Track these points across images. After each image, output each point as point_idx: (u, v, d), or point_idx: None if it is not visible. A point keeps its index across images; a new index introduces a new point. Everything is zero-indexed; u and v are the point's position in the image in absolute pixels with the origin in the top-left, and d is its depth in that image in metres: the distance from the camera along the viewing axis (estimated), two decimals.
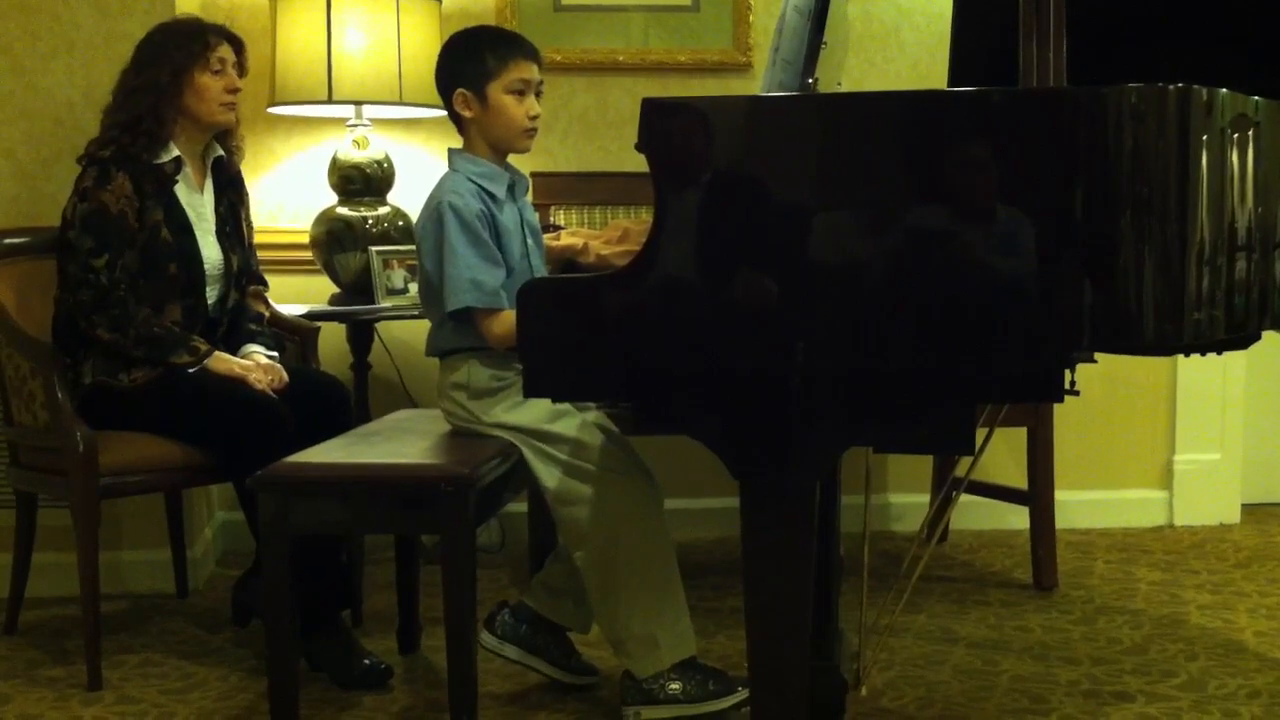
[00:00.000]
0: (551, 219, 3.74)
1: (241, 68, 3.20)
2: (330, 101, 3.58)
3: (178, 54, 3.08)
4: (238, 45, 3.20)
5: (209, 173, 3.21)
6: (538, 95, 2.73)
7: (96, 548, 2.94)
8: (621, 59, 4.02)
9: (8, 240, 3.23)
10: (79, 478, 2.90)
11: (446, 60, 2.76)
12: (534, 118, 2.71)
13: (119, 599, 3.53)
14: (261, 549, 2.53)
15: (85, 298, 2.98)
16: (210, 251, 3.14)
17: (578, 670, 2.84)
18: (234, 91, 3.15)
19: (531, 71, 2.71)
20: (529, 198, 2.87)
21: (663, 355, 1.96)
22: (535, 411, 2.63)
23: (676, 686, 2.59)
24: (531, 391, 2.08)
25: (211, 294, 3.15)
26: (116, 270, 2.98)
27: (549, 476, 2.64)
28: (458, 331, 2.67)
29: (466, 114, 2.71)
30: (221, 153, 3.23)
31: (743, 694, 2.58)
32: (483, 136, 2.72)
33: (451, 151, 2.77)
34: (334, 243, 3.68)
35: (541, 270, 2.78)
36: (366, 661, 2.89)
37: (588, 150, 4.02)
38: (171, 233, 3.06)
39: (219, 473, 3.03)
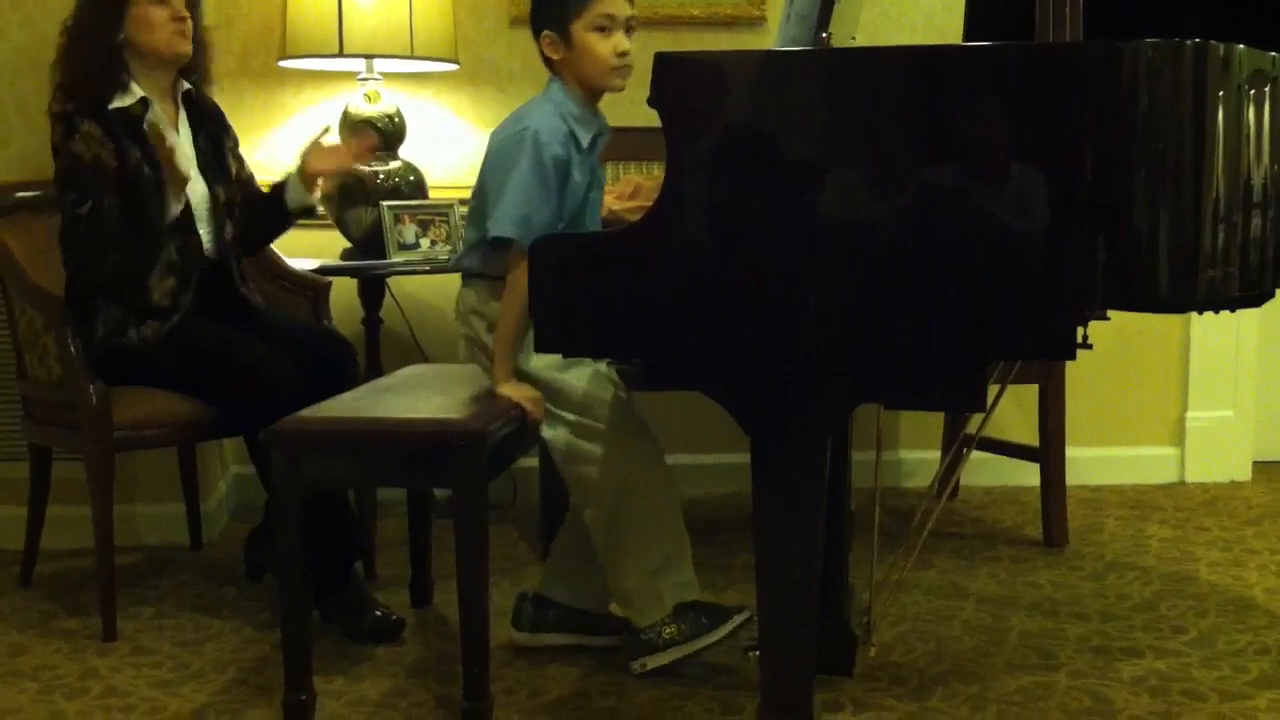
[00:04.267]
0: None
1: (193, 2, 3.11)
2: (341, 54, 3.57)
3: None
4: None
5: (180, 108, 3.15)
6: (629, 31, 2.62)
7: (111, 501, 2.96)
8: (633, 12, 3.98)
9: (20, 195, 3.23)
10: (92, 431, 2.92)
11: (534, 4, 2.67)
12: (622, 54, 2.59)
13: (133, 551, 3.55)
14: (273, 502, 2.54)
15: (77, 246, 2.94)
16: (195, 185, 3.07)
17: (618, 629, 2.81)
18: (181, 19, 3.04)
19: (617, 5, 2.59)
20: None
21: (673, 311, 1.96)
22: (547, 358, 2.60)
23: (672, 630, 2.62)
24: (542, 346, 2.09)
25: (205, 232, 3.08)
26: (102, 214, 2.92)
27: (557, 437, 2.65)
28: (492, 258, 2.62)
29: (555, 56, 2.62)
30: (189, 87, 3.16)
31: (739, 618, 2.62)
32: (574, 79, 2.62)
33: (552, 79, 2.66)
34: (345, 197, 3.67)
35: (597, 215, 2.73)
36: (378, 613, 2.91)
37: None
38: (152, 169, 2.98)
39: (228, 428, 3.05)
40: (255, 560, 3.23)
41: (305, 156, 3.12)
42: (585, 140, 2.62)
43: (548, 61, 2.65)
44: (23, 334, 3.18)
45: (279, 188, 3.17)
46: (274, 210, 3.18)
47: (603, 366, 2.69)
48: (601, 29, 2.57)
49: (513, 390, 2.60)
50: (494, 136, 2.66)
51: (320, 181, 3.16)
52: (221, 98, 3.60)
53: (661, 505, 2.64)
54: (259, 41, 3.85)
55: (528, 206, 2.53)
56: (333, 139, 3.21)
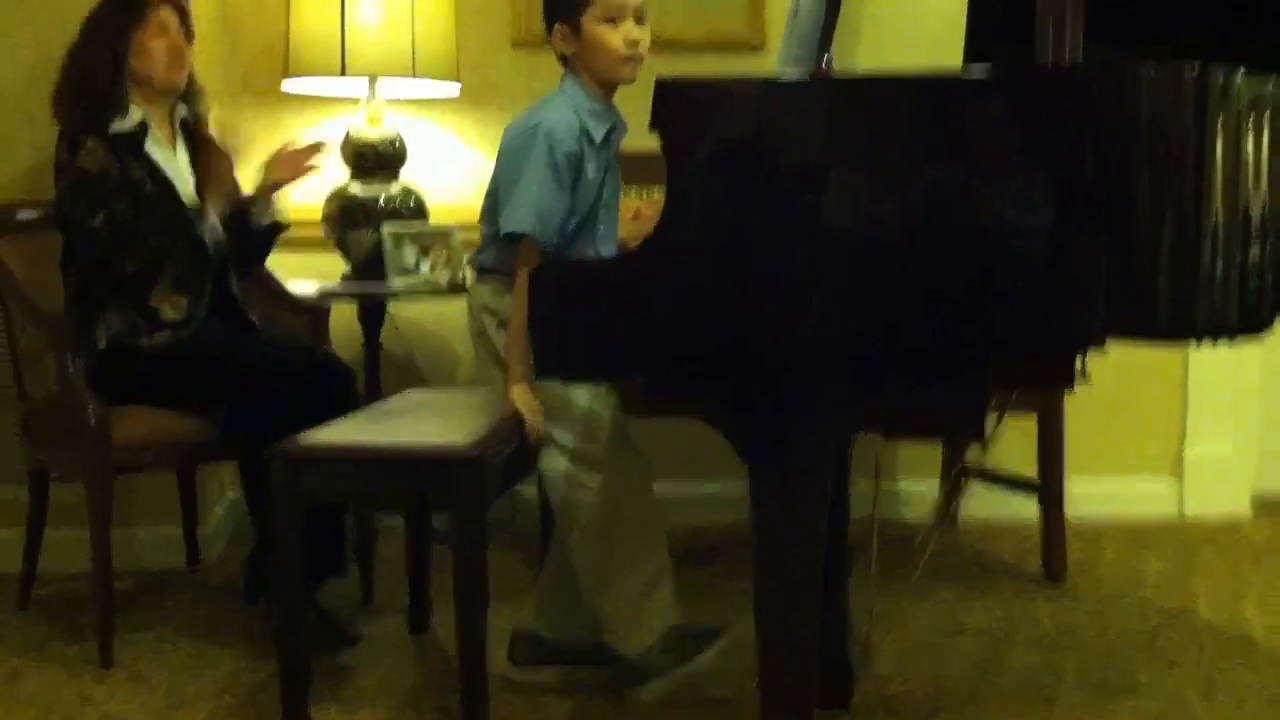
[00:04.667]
0: None
1: (188, 32, 3.21)
2: (343, 74, 3.58)
3: (120, 17, 3.12)
4: (179, 9, 3.20)
5: (178, 132, 3.23)
6: (640, 21, 2.61)
7: (109, 524, 2.94)
8: None
9: (22, 214, 3.24)
10: (91, 452, 2.91)
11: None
12: (634, 44, 2.59)
13: (131, 575, 3.53)
14: (274, 524, 2.53)
15: (98, 253, 3.01)
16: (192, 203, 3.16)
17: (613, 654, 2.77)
18: (177, 51, 3.15)
19: None
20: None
21: (672, 338, 1.96)
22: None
23: (661, 657, 2.61)
24: (542, 371, 2.09)
25: (206, 238, 3.13)
26: (119, 219, 3.00)
27: (555, 468, 2.64)
28: (505, 254, 2.62)
29: (567, 50, 2.63)
30: (187, 114, 3.25)
31: (728, 638, 2.62)
32: (587, 71, 2.62)
33: (566, 75, 2.67)
34: (346, 220, 3.68)
35: (614, 214, 2.74)
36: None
37: None
38: (154, 187, 3.09)
39: (227, 441, 3.02)
40: (254, 581, 3.22)
41: (266, 169, 3.17)
42: (599, 135, 2.62)
43: (561, 57, 2.66)
44: (23, 353, 3.18)
45: (247, 207, 3.20)
46: (243, 229, 3.20)
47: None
48: (611, 19, 2.57)
49: (521, 397, 2.58)
50: (507, 133, 2.66)
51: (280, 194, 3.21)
52: (220, 115, 3.63)
53: (648, 528, 2.64)
54: (262, 62, 3.86)
55: (540, 203, 2.54)
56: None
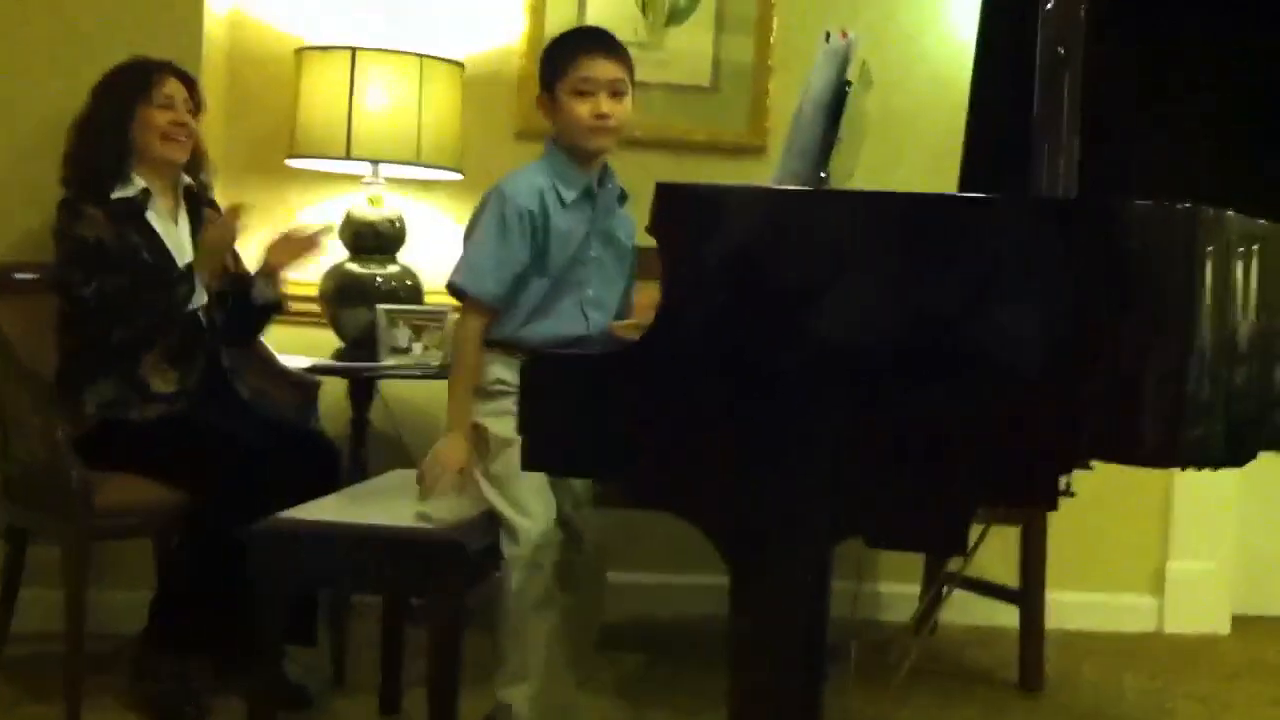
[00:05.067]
0: None
1: (196, 104, 3.25)
2: (348, 158, 3.62)
3: (124, 89, 3.17)
4: (188, 81, 3.25)
5: (181, 202, 3.27)
6: (617, 94, 2.73)
7: (85, 589, 2.94)
8: (639, 134, 4.02)
9: (19, 276, 3.25)
10: (72, 517, 2.90)
11: (541, 64, 2.82)
12: (601, 116, 2.70)
13: (103, 638, 3.50)
14: (255, 602, 2.53)
15: (90, 325, 3.03)
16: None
17: None
18: (180, 125, 3.19)
19: (596, 69, 2.71)
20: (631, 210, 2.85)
21: (661, 438, 1.97)
22: (510, 455, 2.57)
23: None
24: (530, 462, 2.09)
25: (200, 300, 3.12)
26: (110, 291, 3.01)
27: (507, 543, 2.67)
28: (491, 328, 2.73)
29: (547, 118, 2.78)
30: (190, 182, 3.29)
31: None
32: (563, 138, 2.76)
33: (546, 140, 2.81)
34: (342, 297, 3.70)
35: (612, 283, 2.82)
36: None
37: None
38: (152, 256, 3.11)
39: (200, 518, 2.99)
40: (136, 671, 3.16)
41: (267, 252, 3.23)
42: (570, 194, 2.72)
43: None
44: (9, 414, 3.18)
45: (247, 283, 3.25)
46: (239, 306, 3.25)
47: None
48: (580, 93, 2.70)
49: (450, 449, 2.66)
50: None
51: (283, 275, 3.27)
52: (229, 192, 3.66)
53: (554, 635, 2.68)
54: (268, 140, 3.90)
55: (476, 257, 2.67)
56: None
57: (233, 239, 3.16)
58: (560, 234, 2.70)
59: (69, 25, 3.57)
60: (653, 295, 2.24)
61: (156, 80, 3.18)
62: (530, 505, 2.65)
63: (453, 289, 2.71)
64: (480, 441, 2.70)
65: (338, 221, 3.76)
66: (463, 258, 2.71)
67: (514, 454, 2.45)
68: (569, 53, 2.73)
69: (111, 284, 3.02)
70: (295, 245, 3.24)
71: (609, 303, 2.82)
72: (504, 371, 2.69)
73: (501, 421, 2.64)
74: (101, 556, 3.34)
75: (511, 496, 2.66)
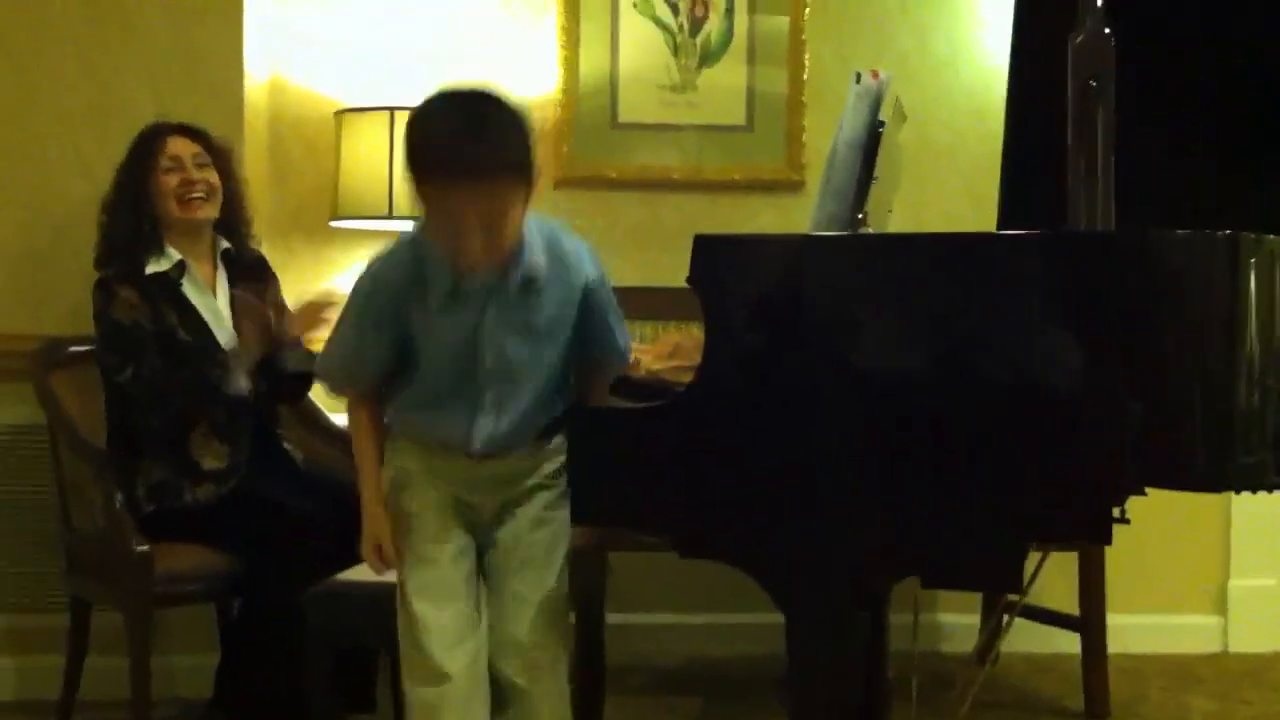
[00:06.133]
0: None
1: (215, 157, 3.19)
2: (390, 217, 3.66)
3: (135, 161, 3.14)
4: (197, 136, 3.19)
5: (220, 267, 3.22)
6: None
7: (148, 656, 2.98)
8: (675, 175, 4.08)
9: (72, 349, 3.30)
10: (133, 586, 2.95)
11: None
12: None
13: (168, 704, 3.54)
14: (306, 664, 2.55)
15: (129, 413, 3.05)
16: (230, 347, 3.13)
17: None
18: (191, 183, 3.13)
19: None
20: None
21: (709, 487, 1.98)
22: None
23: None
24: (579, 516, 2.11)
25: (242, 385, 3.07)
26: (146, 376, 3.01)
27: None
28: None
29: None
30: (228, 245, 3.24)
31: None
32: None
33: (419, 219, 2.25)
34: None
35: (524, 380, 2.22)
36: None
37: (639, 264, 4.06)
38: (189, 333, 3.09)
39: (254, 582, 3.02)
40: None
41: (289, 320, 3.15)
42: (436, 291, 2.17)
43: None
44: (69, 485, 3.23)
45: (276, 351, 3.17)
46: (273, 373, 3.15)
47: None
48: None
49: (368, 529, 2.28)
50: None
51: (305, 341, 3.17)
52: (273, 253, 3.70)
53: None
54: (311, 201, 3.95)
55: (334, 343, 2.31)
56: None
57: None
58: (436, 333, 2.20)
59: (111, 94, 3.62)
60: (695, 337, 2.21)
61: (159, 144, 3.14)
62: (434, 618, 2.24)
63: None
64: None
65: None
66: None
67: (412, 569, 2.26)
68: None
69: (148, 368, 3.01)
70: (310, 312, 3.10)
71: (517, 404, 2.24)
72: (407, 459, 2.30)
73: (398, 522, 2.29)
74: (164, 622, 3.38)
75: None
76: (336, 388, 2.40)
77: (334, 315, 3.00)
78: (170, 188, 3.13)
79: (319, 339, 3.10)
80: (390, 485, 2.30)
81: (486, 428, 2.23)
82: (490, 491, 2.29)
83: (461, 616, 2.24)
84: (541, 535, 2.28)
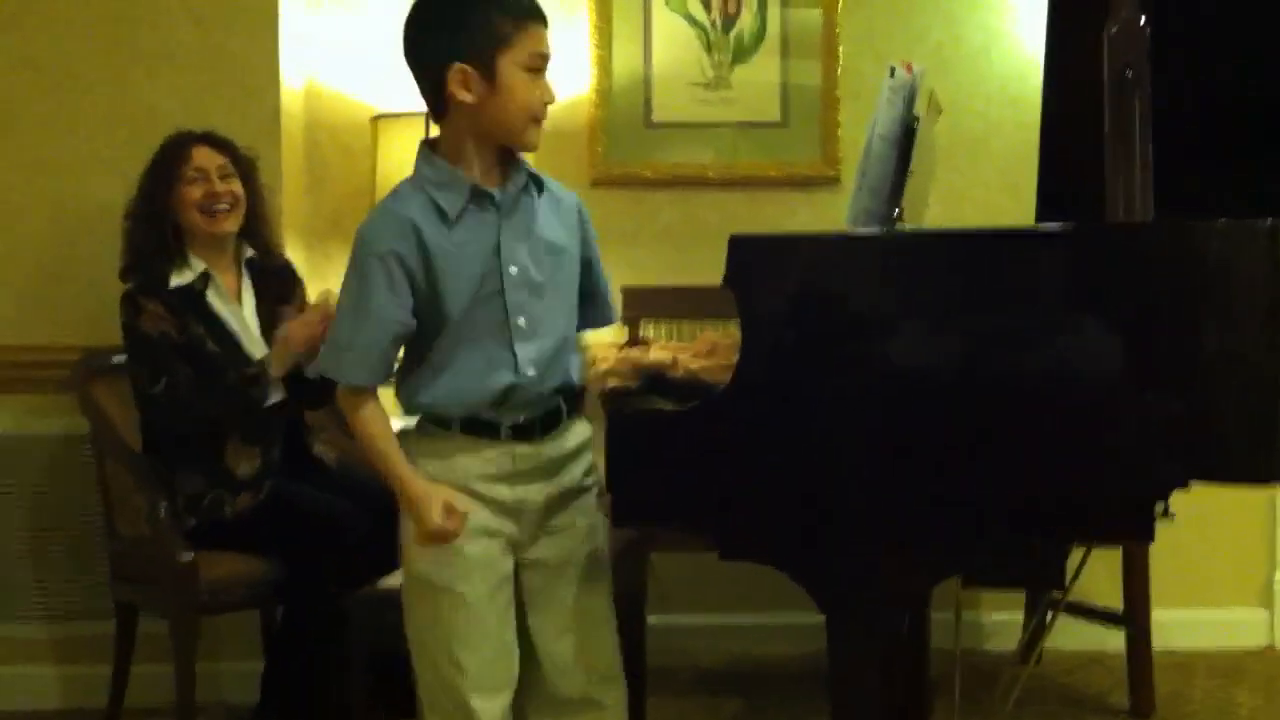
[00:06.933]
0: (640, 332, 3.77)
1: (240, 168, 3.16)
2: None
3: (158, 171, 3.12)
4: (223, 147, 3.16)
5: (244, 275, 3.21)
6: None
7: (194, 663, 3.00)
8: (710, 174, 4.07)
9: (115, 359, 3.31)
10: (178, 593, 2.97)
11: (438, 21, 2.07)
12: (547, 105, 2.10)
13: (215, 708, 3.56)
14: (349, 668, 2.56)
15: (163, 421, 3.06)
16: (257, 357, 3.11)
17: None
18: (216, 195, 3.11)
19: (545, 43, 2.08)
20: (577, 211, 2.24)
21: (747, 487, 1.98)
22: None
23: None
24: (619, 519, 2.11)
25: (275, 395, 3.06)
26: (178, 387, 3.01)
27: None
28: (413, 375, 2.14)
29: (466, 97, 2.04)
30: (252, 254, 3.23)
31: None
32: (477, 128, 2.08)
33: (420, 146, 2.16)
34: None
35: (552, 297, 2.14)
36: None
37: (676, 263, 4.05)
38: (216, 343, 3.08)
39: (296, 585, 3.04)
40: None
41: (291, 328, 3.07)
42: (453, 206, 2.07)
43: (441, 106, 2.09)
44: (113, 493, 3.25)
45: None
46: (295, 378, 3.09)
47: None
48: (533, 69, 2.06)
49: (417, 514, 2.09)
50: None
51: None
52: (311, 258, 3.72)
53: None
54: (348, 207, 3.96)
55: (337, 333, 2.11)
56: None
57: (319, 336, 3.08)
58: (449, 256, 2.05)
59: (146, 107, 3.63)
60: (733, 335, 2.18)
61: (184, 154, 3.11)
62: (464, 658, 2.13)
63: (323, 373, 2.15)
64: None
65: None
66: (329, 337, 2.14)
67: (438, 603, 2.14)
68: (519, 13, 2.05)
69: (180, 380, 3.00)
70: (307, 323, 3.00)
71: (550, 326, 2.14)
72: (429, 466, 2.13)
73: (421, 551, 2.14)
74: (210, 628, 3.40)
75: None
76: (354, 380, 2.11)
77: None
78: (194, 199, 3.11)
79: None
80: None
81: (530, 350, 2.10)
82: (535, 480, 2.15)
83: (500, 659, 2.16)
84: (589, 547, 2.23)
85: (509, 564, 2.17)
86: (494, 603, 2.14)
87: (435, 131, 2.17)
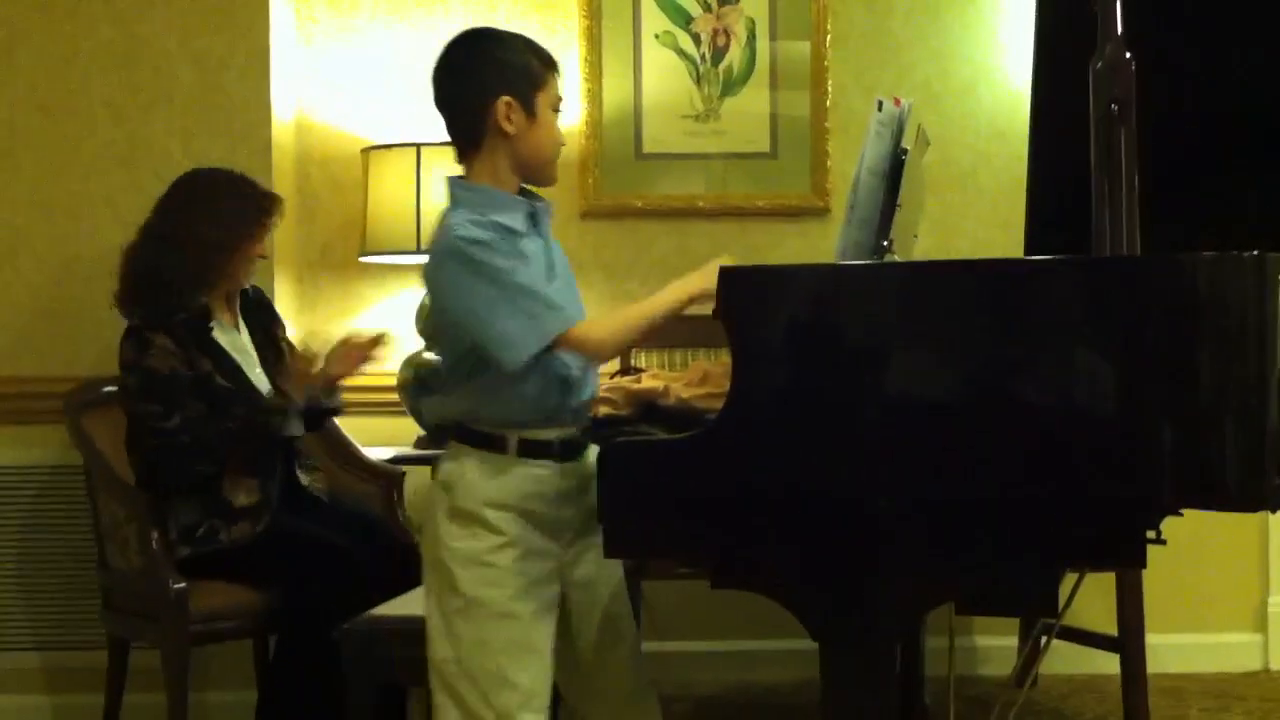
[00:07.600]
0: (632, 361, 3.78)
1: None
2: (419, 251, 3.68)
3: (238, 221, 3.12)
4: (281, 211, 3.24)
5: (236, 303, 3.26)
6: None
7: (186, 694, 2.99)
8: (701, 204, 4.09)
9: (106, 389, 3.33)
10: (170, 624, 2.97)
11: (486, 59, 2.21)
12: (561, 146, 2.28)
13: None
14: (344, 698, 2.56)
15: (174, 461, 3.04)
16: (262, 386, 3.17)
17: None
18: (262, 256, 3.21)
19: (561, 89, 2.27)
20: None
21: (740, 517, 1.98)
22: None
23: None
24: (612, 549, 2.11)
25: (296, 429, 3.16)
26: (191, 423, 3.02)
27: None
28: (469, 396, 2.24)
29: (509, 128, 2.18)
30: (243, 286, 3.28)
31: None
32: (514, 159, 2.20)
33: (452, 180, 2.25)
34: (421, 387, 3.75)
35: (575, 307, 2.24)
36: None
37: None
38: (224, 376, 3.10)
39: (291, 618, 3.04)
40: None
41: (326, 363, 3.15)
42: (516, 224, 2.18)
43: (476, 137, 2.20)
44: (105, 524, 3.25)
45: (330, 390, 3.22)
46: (315, 409, 3.22)
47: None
48: (556, 110, 2.24)
49: (689, 278, 2.15)
50: (425, 272, 2.24)
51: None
52: (302, 289, 3.74)
53: None
54: (339, 238, 3.98)
55: (509, 322, 2.11)
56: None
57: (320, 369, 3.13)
58: (531, 258, 2.18)
59: (138, 136, 3.70)
60: (724, 364, 2.18)
61: (268, 219, 3.16)
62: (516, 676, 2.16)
63: (512, 366, 2.11)
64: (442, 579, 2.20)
65: (411, 308, 3.82)
66: (484, 339, 2.12)
67: (487, 624, 2.15)
68: (546, 59, 2.24)
69: (195, 415, 3.02)
70: (351, 355, 3.14)
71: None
72: (487, 486, 2.18)
73: (473, 572, 2.17)
74: (202, 659, 3.40)
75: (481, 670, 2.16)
76: (566, 326, 2.12)
77: (383, 355, 3.15)
78: (254, 255, 3.18)
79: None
80: (460, 519, 2.19)
81: (578, 359, 2.19)
82: (576, 497, 2.20)
83: (548, 679, 2.20)
84: (613, 567, 2.29)
85: (557, 586, 2.23)
86: (544, 623, 2.20)
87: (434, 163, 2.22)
